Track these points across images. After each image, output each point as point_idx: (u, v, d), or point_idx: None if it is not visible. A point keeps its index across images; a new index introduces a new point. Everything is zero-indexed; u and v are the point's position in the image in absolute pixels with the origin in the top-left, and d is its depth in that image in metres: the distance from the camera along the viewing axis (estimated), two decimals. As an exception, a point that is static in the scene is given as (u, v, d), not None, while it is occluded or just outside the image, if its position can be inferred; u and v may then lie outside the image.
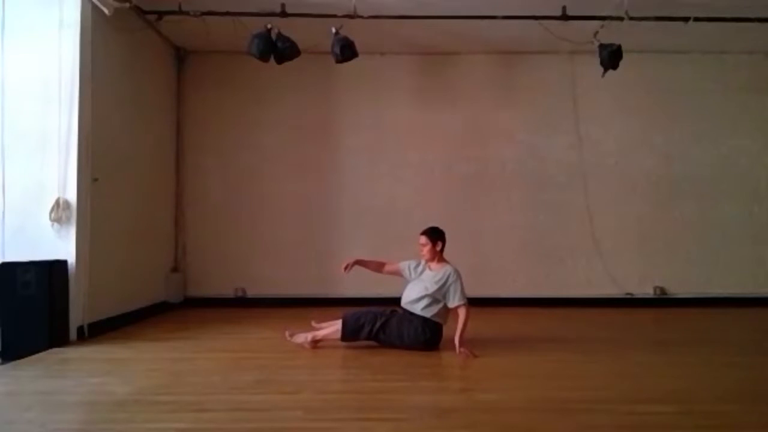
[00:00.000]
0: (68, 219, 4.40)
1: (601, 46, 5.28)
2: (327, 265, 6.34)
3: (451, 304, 4.04)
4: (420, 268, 4.23)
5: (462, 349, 3.89)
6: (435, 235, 4.17)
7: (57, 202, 4.37)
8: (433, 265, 4.18)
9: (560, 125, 6.66)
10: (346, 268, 4.23)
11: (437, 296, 4.04)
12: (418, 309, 4.06)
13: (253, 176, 6.60)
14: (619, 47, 5.21)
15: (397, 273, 4.31)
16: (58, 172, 4.41)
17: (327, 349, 4.10)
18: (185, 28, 5.67)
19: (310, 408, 2.79)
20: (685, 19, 5.36)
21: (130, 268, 5.37)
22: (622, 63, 5.26)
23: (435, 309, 4.05)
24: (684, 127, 6.65)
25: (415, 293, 4.09)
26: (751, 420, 2.67)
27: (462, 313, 4.00)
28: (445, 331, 4.11)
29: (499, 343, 4.29)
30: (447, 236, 4.22)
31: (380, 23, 5.39)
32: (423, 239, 4.17)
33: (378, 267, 4.34)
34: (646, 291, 6.53)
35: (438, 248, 4.16)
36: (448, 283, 4.03)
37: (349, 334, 4.05)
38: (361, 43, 5.17)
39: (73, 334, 4.38)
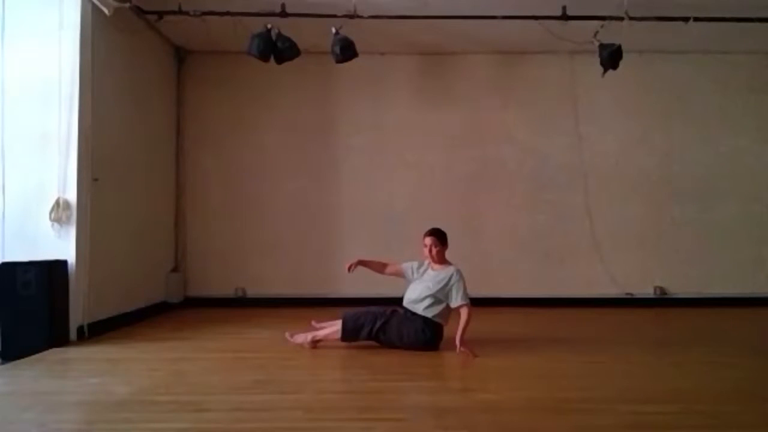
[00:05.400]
0: (68, 219, 4.39)
1: (601, 46, 5.28)
2: (327, 265, 6.36)
3: (454, 304, 4.03)
4: (422, 269, 4.23)
5: (462, 349, 3.89)
6: (442, 236, 4.18)
7: (57, 202, 4.37)
8: (436, 265, 4.18)
9: (560, 125, 6.65)
10: (349, 268, 4.24)
11: (440, 296, 4.04)
12: (420, 309, 4.06)
13: (253, 176, 6.60)
14: (619, 47, 5.21)
15: (399, 274, 4.31)
16: (58, 172, 4.40)
17: (327, 349, 4.10)
18: (185, 28, 5.67)
19: (310, 408, 2.79)
20: (685, 19, 5.35)
21: (130, 268, 5.37)
22: (622, 63, 5.26)
23: (437, 309, 4.04)
24: (684, 127, 6.65)
25: (418, 293, 4.09)
26: (751, 420, 2.67)
27: (464, 313, 4.00)
28: (446, 331, 4.11)
29: (499, 343, 4.28)
30: (447, 236, 4.24)
31: (380, 23, 5.39)
32: (429, 240, 4.16)
33: (380, 268, 4.34)
34: (646, 291, 6.53)
35: (445, 250, 4.18)
36: (451, 283, 4.03)
37: (349, 334, 4.05)
38: (361, 43, 5.17)
39: (73, 334, 4.38)
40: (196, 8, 5.19)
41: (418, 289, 4.11)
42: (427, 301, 4.04)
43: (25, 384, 3.27)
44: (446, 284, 4.03)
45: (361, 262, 4.27)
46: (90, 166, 4.58)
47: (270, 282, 6.49)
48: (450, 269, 4.10)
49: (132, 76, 5.46)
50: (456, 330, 3.97)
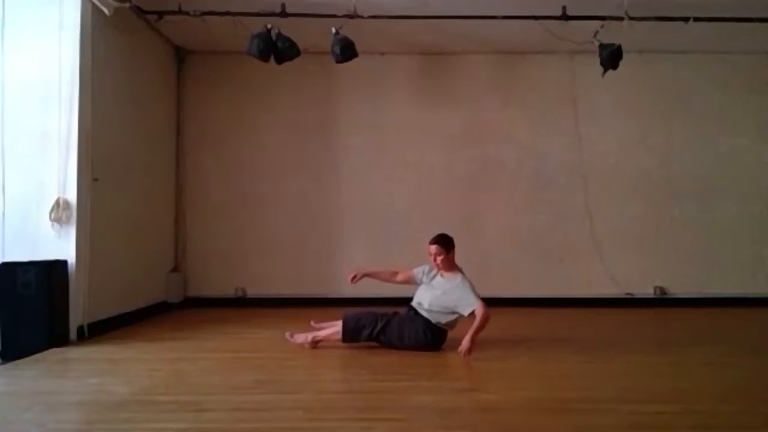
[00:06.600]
0: (68, 219, 4.39)
1: (601, 46, 5.28)
2: (327, 265, 6.36)
3: (466, 313, 3.92)
4: (432, 273, 4.15)
5: (465, 346, 3.82)
6: (448, 243, 4.06)
7: (57, 202, 4.37)
8: (445, 273, 4.10)
9: (560, 125, 6.65)
10: (353, 279, 4.19)
11: (448, 306, 3.97)
12: (425, 313, 4.02)
13: (253, 176, 6.60)
14: (619, 47, 5.21)
15: (411, 281, 4.22)
16: (58, 172, 4.40)
17: (327, 349, 4.10)
18: (185, 28, 5.67)
19: (310, 408, 2.79)
20: (685, 19, 5.36)
21: (130, 268, 5.37)
22: (622, 63, 5.26)
23: (445, 318, 4.00)
24: (684, 127, 6.65)
25: (426, 301, 4.03)
26: (751, 420, 2.67)
27: (479, 312, 3.85)
28: (454, 333, 4.06)
29: (499, 343, 4.28)
30: (453, 241, 4.13)
31: (380, 23, 5.39)
32: (434, 249, 4.04)
33: (389, 276, 4.28)
34: (646, 291, 6.52)
35: (452, 256, 4.09)
36: (456, 295, 3.95)
37: (350, 335, 4.03)
38: (361, 43, 5.17)
39: (73, 334, 4.38)
40: (196, 8, 5.19)
41: (427, 297, 4.04)
42: (435, 310, 3.99)
43: (25, 384, 3.27)
44: (452, 295, 3.97)
45: (367, 274, 4.21)
46: (90, 166, 4.57)
47: (270, 282, 6.49)
48: (456, 279, 4.02)
49: (132, 76, 5.46)
50: (465, 332, 3.89)
